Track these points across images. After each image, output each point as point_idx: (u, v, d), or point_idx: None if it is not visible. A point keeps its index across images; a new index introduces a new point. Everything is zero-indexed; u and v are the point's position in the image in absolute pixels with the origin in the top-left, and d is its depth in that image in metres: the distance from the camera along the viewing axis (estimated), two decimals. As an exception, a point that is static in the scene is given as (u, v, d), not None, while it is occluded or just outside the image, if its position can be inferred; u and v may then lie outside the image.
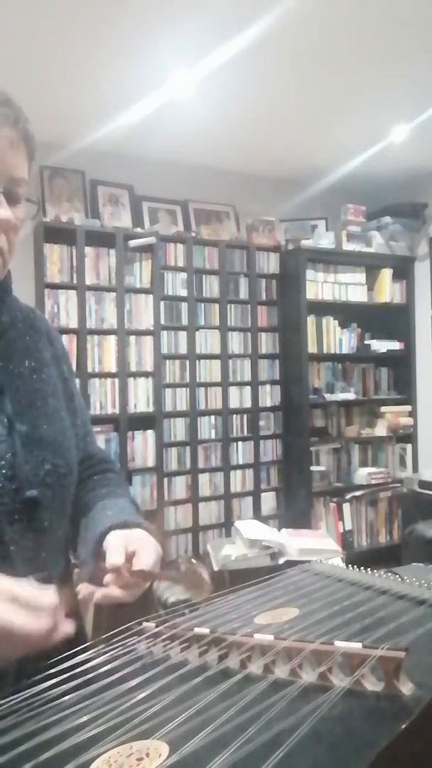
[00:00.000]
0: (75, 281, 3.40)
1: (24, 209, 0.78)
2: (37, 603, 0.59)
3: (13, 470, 0.75)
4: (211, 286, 3.85)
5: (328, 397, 4.11)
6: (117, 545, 0.76)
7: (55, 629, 0.60)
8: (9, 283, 0.86)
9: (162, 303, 3.66)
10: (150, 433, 3.62)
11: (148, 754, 0.43)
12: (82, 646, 0.67)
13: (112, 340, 3.51)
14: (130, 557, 0.74)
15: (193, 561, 2.86)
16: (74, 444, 0.88)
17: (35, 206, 0.82)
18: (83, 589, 0.72)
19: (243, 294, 3.96)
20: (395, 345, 4.35)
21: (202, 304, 3.82)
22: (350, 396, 4.22)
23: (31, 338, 0.89)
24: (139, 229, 3.68)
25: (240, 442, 3.93)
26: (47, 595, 0.60)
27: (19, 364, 0.84)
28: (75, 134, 3.35)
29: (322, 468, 4.11)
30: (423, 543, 3.49)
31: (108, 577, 0.73)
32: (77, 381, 3.30)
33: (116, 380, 3.51)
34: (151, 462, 3.61)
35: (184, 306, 3.75)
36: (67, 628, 0.61)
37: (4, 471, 0.74)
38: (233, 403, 3.91)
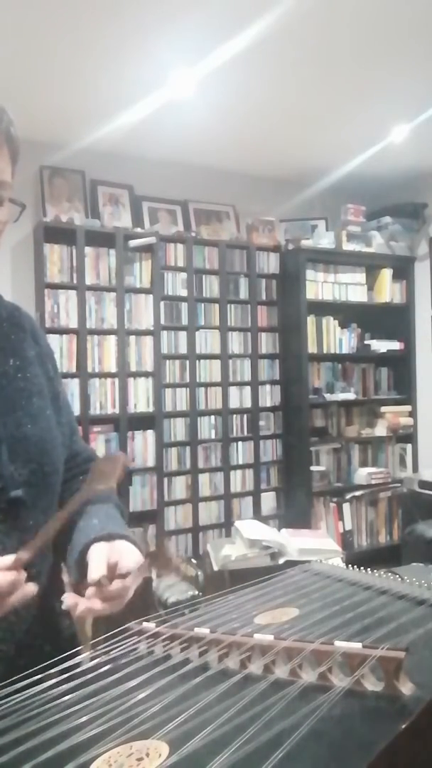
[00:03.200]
0: (75, 281, 3.39)
1: (7, 211, 0.78)
2: None
3: None
4: (211, 286, 3.85)
5: (328, 397, 4.11)
6: (99, 558, 0.75)
7: (15, 586, 0.64)
8: None
9: (162, 303, 3.66)
10: (150, 433, 3.62)
11: (148, 754, 0.43)
12: (79, 647, 0.67)
13: (112, 340, 3.51)
14: (112, 570, 0.74)
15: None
16: (60, 443, 0.88)
17: (19, 208, 0.81)
18: (68, 599, 0.71)
19: (243, 294, 3.96)
20: (395, 345, 4.35)
21: (202, 304, 3.82)
22: (350, 396, 4.22)
23: (15, 336, 0.88)
24: (139, 229, 3.67)
25: (240, 442, 3.93)
26: (2, 558, 0.65)
27: (3, 363, 0.84)
28: (75, 134, 3.35)
29: (322, 468, 4.11)
30: (423, 543, 3.49)
31: (90, 590, 0.72)
32: (77, 381, 3.34)
33: (116, 380, 3.51)
34: (151, 462, 3.61)
35: (184, 306, 3.75)
36: (29, 588, 0.66)
37: None
38: (233, 403, 3.91)
